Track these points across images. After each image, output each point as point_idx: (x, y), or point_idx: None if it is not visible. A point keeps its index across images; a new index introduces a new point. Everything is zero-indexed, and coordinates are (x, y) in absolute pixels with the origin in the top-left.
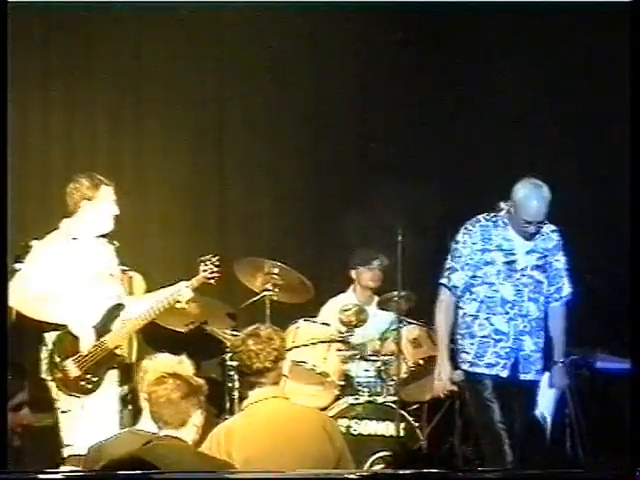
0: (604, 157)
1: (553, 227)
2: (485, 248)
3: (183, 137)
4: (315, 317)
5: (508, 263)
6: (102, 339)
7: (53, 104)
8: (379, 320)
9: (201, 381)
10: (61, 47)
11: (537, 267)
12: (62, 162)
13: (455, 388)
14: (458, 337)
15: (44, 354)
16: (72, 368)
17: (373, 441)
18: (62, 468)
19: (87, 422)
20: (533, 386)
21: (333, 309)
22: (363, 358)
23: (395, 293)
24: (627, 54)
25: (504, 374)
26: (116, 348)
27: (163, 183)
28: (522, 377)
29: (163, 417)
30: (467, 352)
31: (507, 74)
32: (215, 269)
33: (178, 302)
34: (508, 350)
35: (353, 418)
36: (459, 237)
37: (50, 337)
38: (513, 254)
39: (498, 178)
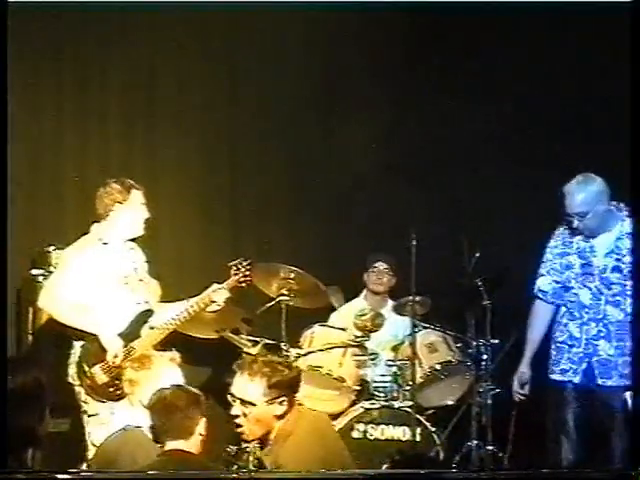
0: (604, 157)
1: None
2: (564, 252)
3: (196, 142)
4: (330, 322)
5: (585, 266)
6: (130, 345)
7: (55, 105)
8: (394, 325)
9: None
10: (61, 47)
11: (615, 269)
12: (69, 166)
13: (527, 393)
14: (544, 343)
15: (73, 360)
16: (100, 375)
17: (389, 446)
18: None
19: (116, 426)
20: (616, 391)
21: (346, 314)
22: (379, 363)
23: (410, 298)
24: (627, 54)
25: (576, 380)
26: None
27: (176, 188)
28: (600, 382)
29: (166, 429)
30: (548, 358)
31: (506, 74)
32: (247, 273)
33: (213, 302)
34: (581, 355)
35: (369, 423)
36: (549, 243)
37: (78, 343)
38: (592, 256)
39: (503, 180)
